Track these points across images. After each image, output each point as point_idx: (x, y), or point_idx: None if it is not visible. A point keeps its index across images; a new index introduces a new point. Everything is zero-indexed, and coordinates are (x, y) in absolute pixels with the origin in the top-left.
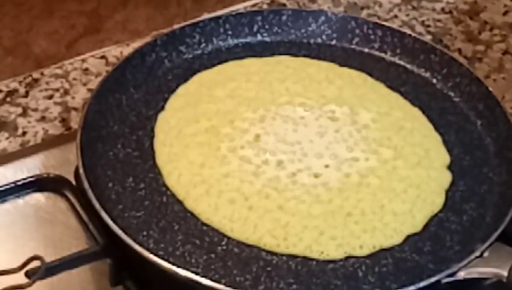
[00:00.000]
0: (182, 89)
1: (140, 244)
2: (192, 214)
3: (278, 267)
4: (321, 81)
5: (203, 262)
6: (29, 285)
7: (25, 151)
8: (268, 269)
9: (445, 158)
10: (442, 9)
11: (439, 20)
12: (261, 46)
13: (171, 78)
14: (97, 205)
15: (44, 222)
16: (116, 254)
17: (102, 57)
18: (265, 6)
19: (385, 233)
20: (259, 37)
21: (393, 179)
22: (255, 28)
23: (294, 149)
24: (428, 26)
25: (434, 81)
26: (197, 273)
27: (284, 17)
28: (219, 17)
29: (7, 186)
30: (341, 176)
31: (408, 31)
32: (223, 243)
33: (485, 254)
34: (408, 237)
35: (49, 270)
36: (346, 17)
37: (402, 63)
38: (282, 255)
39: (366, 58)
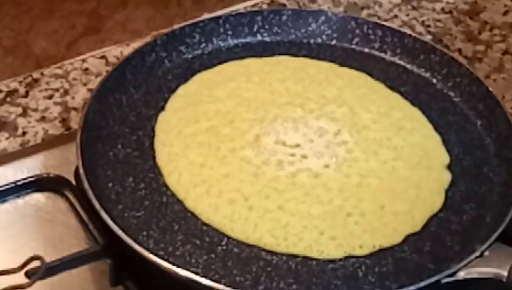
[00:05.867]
0: (182, 89)
1: (140, 244)
2: (192, 214)
3: (278, 267)
4: (321, 82)
5: (203, 262)
6: (29, 285)
7: (25, 151)
8: (268, 269)
9: (445, 158)
10: (442, 9)
11: (439, 20)
12: (261, 46)
13: (171, 78)
14: (97, 205)
15: (44, 222)
16: (116, 254)
17: (102, 57)
18: (265, 6)
19: (385, 233)
20: (259, 37)
21: (393, 180)
22: (255, 28)
23: (294, 149)
24: (428, 26)
25: (434, 81)
26: (197, 273)
27: (284, 17)
28: (219, 17)
29: (7, 186)
30: (341, 176)
31: (408, 31)
32: (223, 243)
33: (485, 254)
34: (408, 237)
35: (49, 270)
36: (346, 17)
37: (402, 63)
38: (282, 255)
39: (366, 58)
